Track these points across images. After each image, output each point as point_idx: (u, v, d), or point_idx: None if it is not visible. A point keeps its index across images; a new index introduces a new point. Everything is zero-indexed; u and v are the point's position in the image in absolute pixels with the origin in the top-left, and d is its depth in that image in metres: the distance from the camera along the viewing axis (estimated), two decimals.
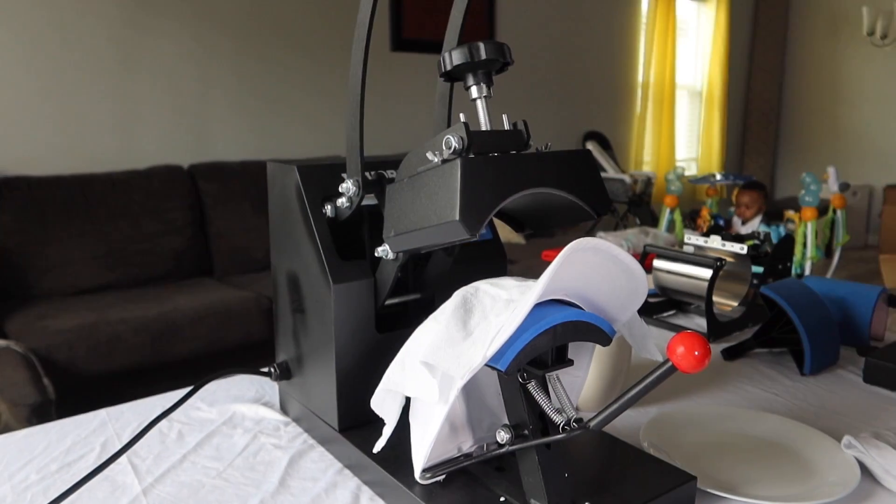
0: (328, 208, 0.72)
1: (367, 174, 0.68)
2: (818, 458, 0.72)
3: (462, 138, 0.54)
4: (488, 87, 0.59)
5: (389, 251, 0.64)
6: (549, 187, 0.56)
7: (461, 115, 0.57)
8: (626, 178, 4.68)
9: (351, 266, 0.71)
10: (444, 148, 0.55)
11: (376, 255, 0.66)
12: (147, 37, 3.10)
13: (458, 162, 0.52)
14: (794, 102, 6.39)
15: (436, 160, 0.55)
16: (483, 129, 0.58)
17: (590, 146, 4.92)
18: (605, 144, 5.02)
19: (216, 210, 3.11)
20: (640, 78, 5.42)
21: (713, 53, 5.88)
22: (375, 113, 3.78)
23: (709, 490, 0.65)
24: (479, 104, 0.59)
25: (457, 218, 0.51)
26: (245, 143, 3.43)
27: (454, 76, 0.60)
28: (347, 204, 0.69)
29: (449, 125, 0.74)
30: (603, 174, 4.79)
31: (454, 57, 0.57)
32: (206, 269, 3.10)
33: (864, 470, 0.69)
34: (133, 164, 3.05)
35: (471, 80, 0.59)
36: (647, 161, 5.51)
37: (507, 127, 0.60)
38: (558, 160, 0.57)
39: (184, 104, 3.25)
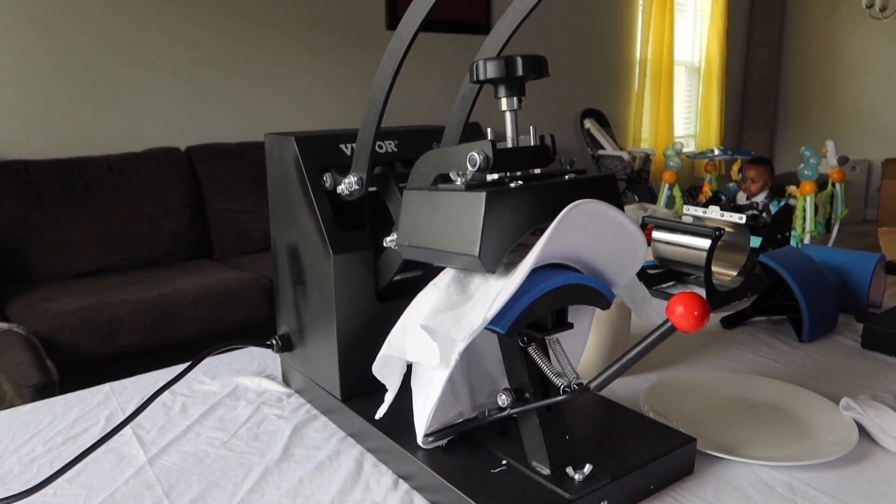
0: (327, 179, 0.71)
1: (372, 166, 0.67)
2: (816, 420, 0.73)
3: (488, 157, 0.53)
4: (519, 101, 0.57)
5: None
6: None
7: (488, 131, 0.56)
8: (625, 155, 4.67)
9: (351, 236, 0.71)
10: (467, 166, 0.54)
11: (384, 244, 0.66)
12: (141, 19, 3.08)
13: (483, 197, 0.51)
14: (792, 77, 6.36)
15: (458, 181, 0.54)
16: (509, 142, 0.58)
17: (588, 123, 4.91)
18: (602, 121, 5.00)
19: (214, 192, 3.10)
20: (637, 54, 5.38)
21: (711, 29, 5.83)
22: (367, 89, 3.76)
23: (708, 452, 0.66)
24: (508, 117, 0.58)
25: (476, 255, 0.51)
26: (242, 125, 3.41)
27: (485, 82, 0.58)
28: (347, 193, 0.68)
29: (466, 125, 0.73)
30: (601, 151, 4.80)
31: (489, 69, 0.55)
32: (205, 251, 3.10)
33: (862, 431, 0.70)
34: (130, 146, 3.04)
35: (502, 92, 0.57)
36: (645, 138, 5.49)
37: (532, 138, 0.58)
38: (582, 187, 0.57)
39: (180, 86, 3.23)
